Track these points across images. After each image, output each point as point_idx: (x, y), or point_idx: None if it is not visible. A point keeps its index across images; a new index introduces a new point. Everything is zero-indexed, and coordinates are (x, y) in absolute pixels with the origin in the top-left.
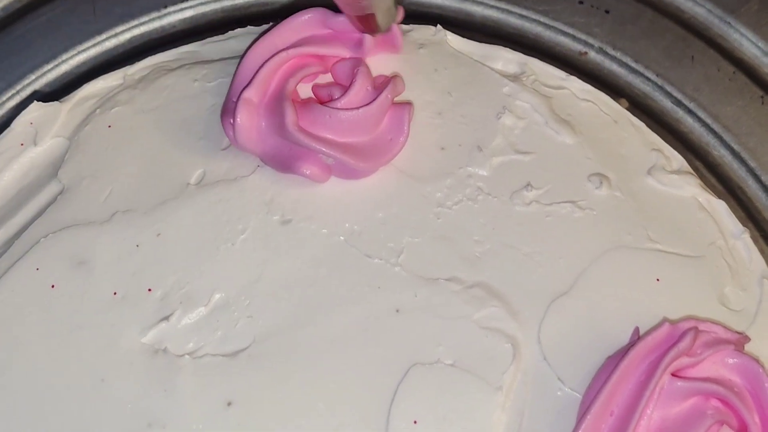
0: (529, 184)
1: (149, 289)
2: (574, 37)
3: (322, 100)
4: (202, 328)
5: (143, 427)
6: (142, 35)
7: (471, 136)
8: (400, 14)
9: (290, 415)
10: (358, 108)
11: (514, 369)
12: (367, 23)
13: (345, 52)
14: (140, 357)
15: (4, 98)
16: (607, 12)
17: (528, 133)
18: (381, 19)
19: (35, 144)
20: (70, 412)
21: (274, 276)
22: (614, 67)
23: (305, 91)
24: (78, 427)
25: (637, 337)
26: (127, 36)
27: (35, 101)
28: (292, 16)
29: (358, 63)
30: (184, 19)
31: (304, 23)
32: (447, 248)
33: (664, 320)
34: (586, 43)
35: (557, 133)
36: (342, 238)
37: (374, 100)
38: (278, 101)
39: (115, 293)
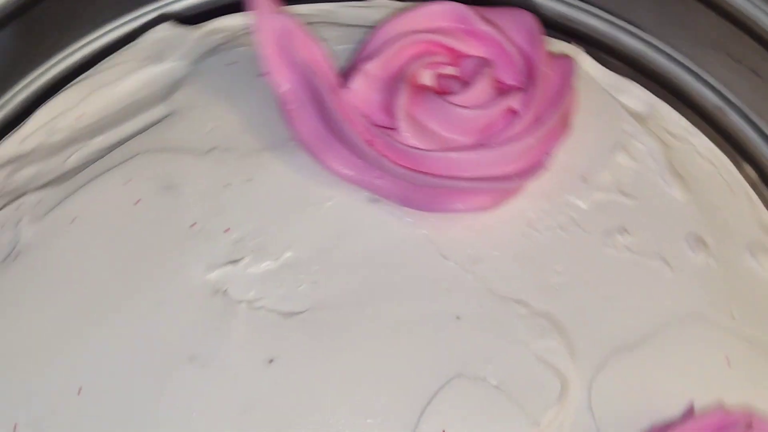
0: (625, 229)
1: (227, 229)
2: (714, 89)
3: (441, 90)
4: (267, 281)
5: (184, 359)
6: None
7: (579, 165)
8: None
9: (325, 391)
10: (470, 108)
11: (557, 409)
12: None
13: (477, 51)
14: (200, 292)
15: (135, 15)
16: (756, 74)
17: (638, 177)
18: None
19: (157, 63)
20: (117, 324)
21: (349, 250)
22: (749, 132)
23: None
24: (119, 342)
25: (689, 416)
26: None
27: (167, 21)
28: (434, 2)
29: (485, 63)
30: None
31: (444, 13)
32: (525, 270)
33: (721, 405)
34: (726, 100)
35: (668, 184)
36: (424, 231)
37: (491, 104)
38: (396, 81)
39: (193, 224)
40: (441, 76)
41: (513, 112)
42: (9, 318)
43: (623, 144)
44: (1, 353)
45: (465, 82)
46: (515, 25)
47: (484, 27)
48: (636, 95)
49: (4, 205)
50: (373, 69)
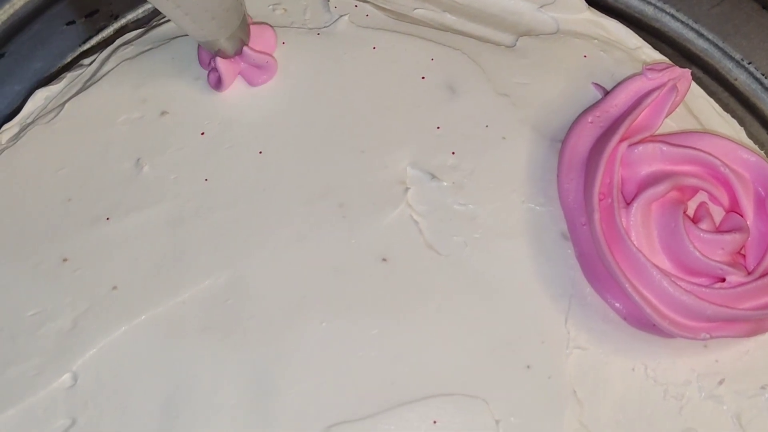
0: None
1: (453, 153)
2: None
3: (692, 215)
4: (440, 212)
5: (335, 204)
6: None
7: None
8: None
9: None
10: (698, 250)
11: None
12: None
13: (751, 218)
14: (390, 171)
15: None
16: None
17: None
18: (226, 44)
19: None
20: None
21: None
22: None
23: None
24: (302, 156)
25: None
26: None
27: None
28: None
29: (745, 232)
30: None
31: (760, 171)
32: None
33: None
34: None
35: None
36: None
37: (714, 262)
38: (666, 176)
39: (438, 128)
40: (702, 206)
41: (722, 281)
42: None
43: None
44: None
45: (714, 227)
46: None
47: None
48: None
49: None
50: (668, 151)
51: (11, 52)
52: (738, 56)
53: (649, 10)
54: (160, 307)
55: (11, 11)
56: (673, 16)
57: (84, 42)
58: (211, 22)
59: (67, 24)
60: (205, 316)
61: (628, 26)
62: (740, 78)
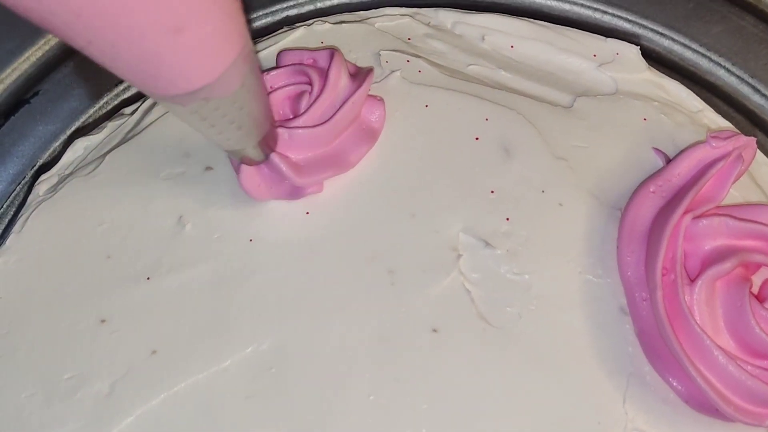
0: None
1: (508, 219)
2: None
3: (757, 292)
4: (495, 282)
5: (384, 270)
6: None
7: None
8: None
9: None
10: (765, 332)
11: None
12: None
13: None
14: (443, 235)
15: None
16: None
17: None
18: (252, 152)
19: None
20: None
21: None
22: None
23: None
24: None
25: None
26: None
27: None
28: None
29: None
30: None
31: None
32: None
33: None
34: None
35: None
36: None
37: None
38: (729, 252)
39: (492, 191)
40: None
41: None
42: None
43: None
44: None
45: None
46: None
47: None
48: None
49: (401, 50)
50: (734, 225)
51: (45, 90)
52: None
53: (703, 63)
54: (202, 373)
55: (46, 47)
56: (728, 69)
57: (121, 81)
58: (238, 132)
59: None
60: (248, 384)
61: (682, 81)
62: None
